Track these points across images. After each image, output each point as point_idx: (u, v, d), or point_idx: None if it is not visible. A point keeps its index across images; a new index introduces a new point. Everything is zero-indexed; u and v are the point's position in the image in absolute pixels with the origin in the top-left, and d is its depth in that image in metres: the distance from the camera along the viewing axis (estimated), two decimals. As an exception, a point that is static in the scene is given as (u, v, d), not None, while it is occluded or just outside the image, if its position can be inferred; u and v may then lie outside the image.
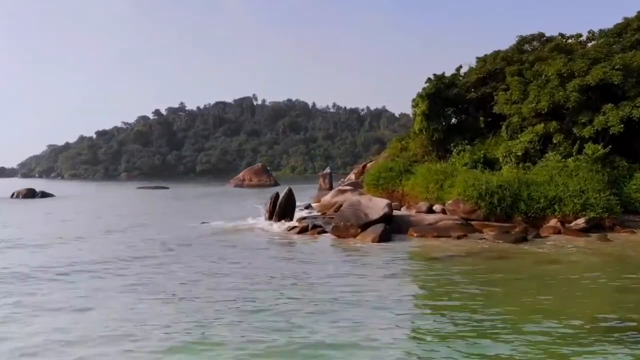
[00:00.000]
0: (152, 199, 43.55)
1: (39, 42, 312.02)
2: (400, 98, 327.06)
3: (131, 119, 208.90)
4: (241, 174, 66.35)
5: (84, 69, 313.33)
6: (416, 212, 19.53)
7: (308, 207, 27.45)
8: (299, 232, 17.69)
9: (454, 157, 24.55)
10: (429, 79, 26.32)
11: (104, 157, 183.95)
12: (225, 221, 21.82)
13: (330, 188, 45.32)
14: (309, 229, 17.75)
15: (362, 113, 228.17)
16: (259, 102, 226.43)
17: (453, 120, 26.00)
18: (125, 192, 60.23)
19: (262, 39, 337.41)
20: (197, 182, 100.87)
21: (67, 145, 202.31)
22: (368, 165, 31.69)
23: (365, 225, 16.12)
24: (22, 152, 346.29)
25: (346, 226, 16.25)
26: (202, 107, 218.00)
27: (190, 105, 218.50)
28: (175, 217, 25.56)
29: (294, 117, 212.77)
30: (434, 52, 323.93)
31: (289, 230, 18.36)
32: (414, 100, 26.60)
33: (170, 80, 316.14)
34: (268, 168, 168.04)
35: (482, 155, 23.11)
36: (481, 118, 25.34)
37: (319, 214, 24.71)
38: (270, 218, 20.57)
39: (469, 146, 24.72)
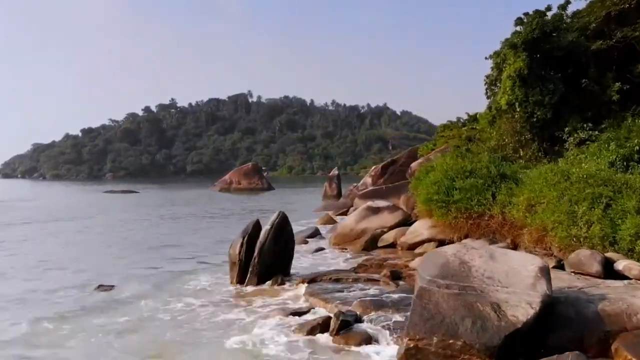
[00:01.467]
0: (97, 210, 32.45)
1: (30, 41, 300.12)
2: (401, 96, 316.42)
3: (121, 117, 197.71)
4: (228, 176, 55.50)
5: (76, 66, 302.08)
6: (565, 270, 8.78)
7: (314, 234, 16.60)
8: (309, 334, 6.85)
9: (572, 150, 13.89)
10: (519, 20, 15.52)
11: (88, 157, 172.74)
12: (148, 281, 10.77)
13: (339, 195, 34.58)
14: (332, 328, 6.86)
15: (362, 110, 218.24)
16: (254, 99, 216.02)
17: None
18: (81, 197, 49.07)
19: (258, 35, 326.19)
20: (183, 184, 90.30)
21: (53, 144, 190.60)
22: (413, 165, 20.11)
23: (503, 346, 5.41)
24: (8, 151, 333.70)
25: (449, 350, 5.49)
26: (194, 103, 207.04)
27: (183, 102, 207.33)
28: (73, 262, 14.34)
29: (291, 114, 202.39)
30: (434, 50, 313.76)
31: (278, 322, 7.53)
32: (495, 54, 15.81)
33: (164, 78, 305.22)
34: (263, 168, 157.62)
35: (636, 146, 12.42)
36: (616, 84, 14.51)
37: (337, 248, 13.97)
38: (239, 279, 9.69)
39: (597, 132, 14.05)
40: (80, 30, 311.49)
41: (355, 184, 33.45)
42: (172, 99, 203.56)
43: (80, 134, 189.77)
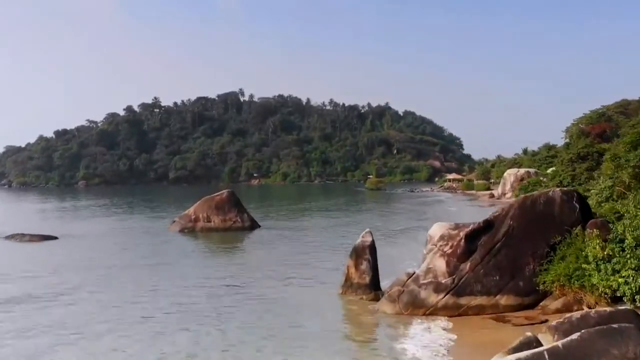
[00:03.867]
0: None
1: (20, 39, 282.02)
2: (403, 94, 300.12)
3: (101, 118, 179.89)
4: (193, 209, 38.29)
5: (64, 64, 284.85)
6: None
7: None
8: None
9: None
10: None
11: (59, 162, 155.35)
12: None
13: (374, 284, 17.82)
14: None
15: (362, 110, 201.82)
16: (246, 97, 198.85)
17: None
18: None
19: (251, 30, 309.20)
20: (144, 208, 72.27)
21: (25, 148, 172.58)
22: None
23: None
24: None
25: None
26: (179, 103, 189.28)
27: (168, 102, 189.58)
28: None
29: (285, 114, 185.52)
30: (433, 48, 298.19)
31: None
32: None
33: (152, 77, 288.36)
34: (255, 174, 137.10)
35: None
36: None
37: None
38: None
39: None
40: (70, 27, 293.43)
41: (409, 271, 16.56)
42: (155, 98, 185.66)
43: (53, 137, 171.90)
